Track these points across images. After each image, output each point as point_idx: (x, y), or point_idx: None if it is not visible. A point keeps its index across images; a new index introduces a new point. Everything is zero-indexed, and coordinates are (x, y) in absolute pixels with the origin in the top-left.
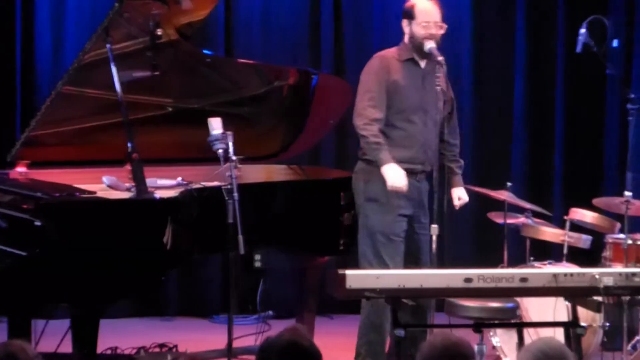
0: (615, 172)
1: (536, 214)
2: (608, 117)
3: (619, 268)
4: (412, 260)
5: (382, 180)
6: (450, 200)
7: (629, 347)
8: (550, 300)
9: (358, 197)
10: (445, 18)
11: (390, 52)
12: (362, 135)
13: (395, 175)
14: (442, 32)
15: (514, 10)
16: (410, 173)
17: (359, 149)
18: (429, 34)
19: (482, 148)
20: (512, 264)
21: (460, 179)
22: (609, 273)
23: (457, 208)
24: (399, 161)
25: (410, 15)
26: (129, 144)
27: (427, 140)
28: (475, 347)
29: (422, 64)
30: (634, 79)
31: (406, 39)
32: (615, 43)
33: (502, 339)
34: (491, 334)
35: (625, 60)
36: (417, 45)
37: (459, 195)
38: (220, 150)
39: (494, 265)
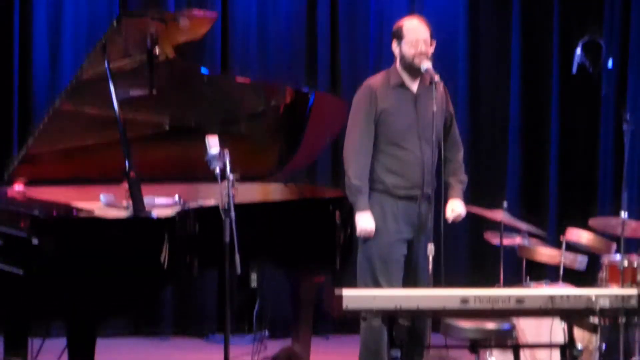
0: (611, 192)
1: (532, 234)
2: (603, 137)
3: (615, 289)
4: (413, 282)
5: (380, 205)
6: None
7: None
8: (546, 321)
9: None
10: (439, 36)
11: (379, 79)
12: (346, 172)
13: (365, 224)
14: (431, 49)
15: (509, 30)
16: (409, 198)
17: None
18: (418, 52)
19: (478, 168)
20: (508, 284)
21: (457, 192)
22: (605, 294)
23: (449, 221)
24: (395, 187)
25: (398, 35)
26: (126, 162)
27: (424, 164)
28: None
29: (414, 86)
30: (628, 99)
31: (397, 61)
32: (610, 64)
33: None
34: (487, 354)
35: (620, 81)
36: (408, 66)
37: (453, 208)
38: (217, 169)
39: (490, 285)
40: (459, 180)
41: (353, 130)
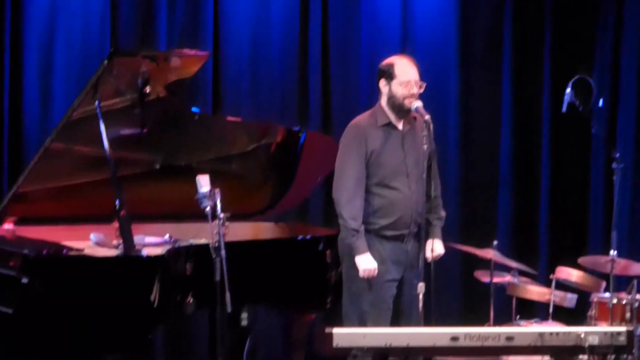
0: (601, 230)
1: (522, 273)
2: (593, 175)
3: (604, 327)
4: (404, 320)
5: (369, 245)
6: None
7: None
8: (536, 359)
9: (344, 262)
10: (430, 77)
11: (366, 119)
12: (342, 215)
13: (367, 265)
14: (421, 90)
15: (500, 68)
16: (396, 238)
17: None
18: (410, 94)
19: (468, 206)
20: (499, 322)
21: (437, 231)
22: (594, 332)
23: (428, 261)
24: (384, 229)
25: (389, 75)
26: (116, 201)
27: (412, 203)
28: None
29: (400, 125)
30: (618, 138)
31: (383, 99)
32: (600, 103)
33: None
34: None
35: (610, 120)
36: (396, 106)
37: (433, 248)
38: (208, 208)
39: (481, 323)
40: (438, 217)
41: (346, 172)
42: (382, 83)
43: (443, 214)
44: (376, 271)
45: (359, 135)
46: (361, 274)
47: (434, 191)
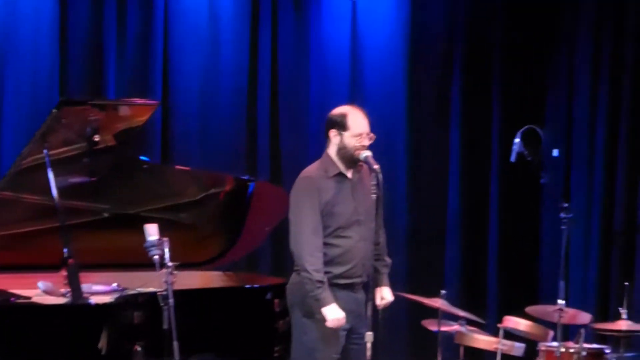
0: (550, 280)
1: (470, 322)
2: (543, 225)
3: None
4: None
5: None
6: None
7: None
8: None
9: (294, 312)
10: (379, 128)
11: (316, 170)
12: (306, 269)
13: (335, 315)
14: (371, 142)
15: (449, 117)
16: (348, 287)
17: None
18: (361, 146)
19: (416, 255)
20: None
21: (385, 279)
22: None
23: (379, 308)
24: (337, 278)
25: (342, 126)
26: (64, 249)
27: (364, 252)
28: None
29: (350, 174)
30: (572, 188)
31: (333, 149)
32: (555, 152)
33: None
34: None
35: (563, 170)
36: (347, 157)
37: (382, 295)
38: (156, 257)
39: None
40: (385, 264)
41: (303, 225)
42: (333, 133)
43: (389, 260)
44: (344, 320)
45: (311, 187)
46: (330, 324)
47: (380, 238)
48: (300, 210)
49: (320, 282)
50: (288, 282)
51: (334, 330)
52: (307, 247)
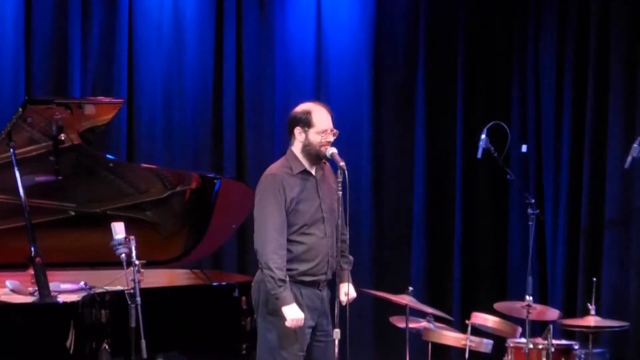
0: (518, 276)
1: (438, 318)
2: (510, 221)
3: None
4: None
5: None
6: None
7: None
8: None
9: (259, 310)
10: (343, 125)
11: (281, 167)
12: (269, 267)
13: (295, 315)
14: (335, 137)
15: (413, 114)
16: (313, 284)
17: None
18: (326, 142)
19: (382, 252)
20: None
21: (347, 275)
22: None
23: (343, 304)
24: (302, 275)
25: (306, 122)
26: (31, 248)
27: (328, 249)
28: None
29: (314, 171)
30: (539, 184)
31: (297, 146)
32: (524, 148)
33: None
34: None
35: (532, 165)
36: (312, 153)
37: (346, 291)
38: (123, 255)
39: None
40: (348, 261)
41: (267, 222)
42: (298, 130)
43: (351, 257)
44: (302, 321)
45: (276, 184)
46: (289, 324)
47: (342, 235)
48: (264, 207)
49: (282, 280)
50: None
51: (299, 328)
52: (270, 245)
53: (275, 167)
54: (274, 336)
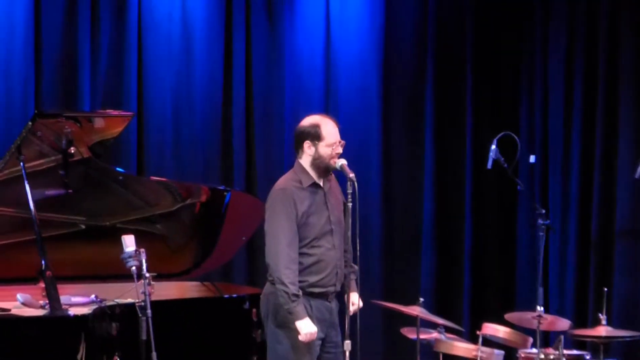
0: (528, 287)
1: (449, 329)
2: (520, 231)
3: None
4: None
5: None
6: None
7: None
8: None
9: (268, 322)
10: (353, 136)
11: (290, 181)
12: (282, 282)
13: (309, 330)
14: (342, 149)
15: (423, 125)
16: (322, 295)
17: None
18: (335, 154)
19: (392, 264)
20: None
21: (354, 285)
22: None
23: (350, 314)
24: (312, 286)
25: (316, 136)
26: (42, 261)
27: (337, 260)
28: None
29: (322, 183)
30: (549, 194)
31: (306, 160)
32: (532, 159)
33: None
34: None
35: (542, 176)
36: (322, 166)
37: (353, 301)
38: (134, 267)
39: None
40: (354, 271)
41: (279, 237)
42: (307, 144)
43: (356, 267)
44: (316, 335)
45: (287, 198)
46: (302, 338)
47: (346, 245)
48: (276, 222)
49: (296, 295)
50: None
51: (310, 341)
52: (283, 260)
53: (284, 182)
54: (283, 348)
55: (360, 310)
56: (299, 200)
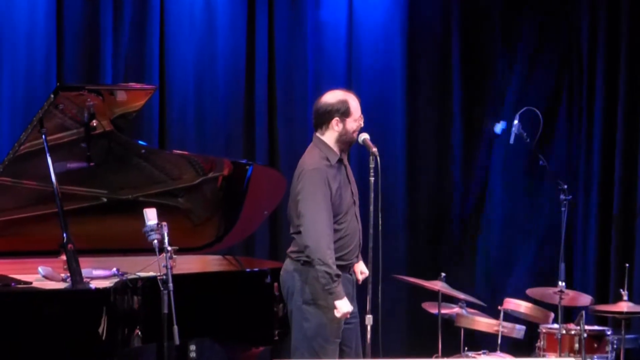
0: (550, 262)
1: (470, 304)
2: (543, 206)
3: (552, 358)
4: (343, 350)
5: (319, 280)
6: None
7: None
8: None
9: (293, 299)
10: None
11: (320, 160)
12: (325, 262)
13: (347, 309)
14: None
15: (450, 96)
16: (345, 268)
17: (292, 247)
18: (358, 128)
19: (415, 239)
20: (447, 354)
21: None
22: None
23: (359, 282)
24: (339, 259)
25: (345, 112)
26: (64, 235)
27: (359, 232)
28: None
29: (344, 158)
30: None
31: (332, 136)
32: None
33: None
34: None
35: (567, 151)
36: (347, 141)
37: (361, 270)
38: (156, 241)
39: (429, 355)
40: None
41: (318, 219)
42: (336, 121)
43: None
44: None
45: (321, 178)
46: (340, 316)
47: None
48: (314, 203)
49: (338, 275)
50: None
51: (334, 315)
52: (325, 241)
53: (314, 161)
54: (311, 325)
55: (382, 284)
56: (332, 179)
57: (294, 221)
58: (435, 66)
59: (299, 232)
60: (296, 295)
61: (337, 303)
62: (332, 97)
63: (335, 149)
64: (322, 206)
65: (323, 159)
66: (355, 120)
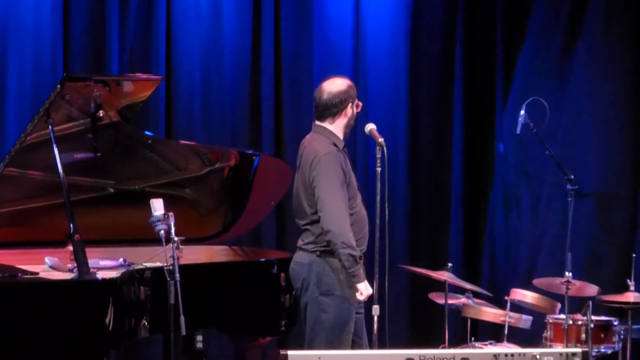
0: (557, 252)
1: (477, 295)
2: (549, 197)
3: (559, 348)
4: (354, 342)
5: (336, 271)
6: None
7: None
8: None
9: (309, 291)
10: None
11: (329, 145)
12: (349, 245)
13: (369, 292)
14: None
15: (452, 88)
16: (360, 258)
17: (305, 239)
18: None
19: (420, 229)
20: (453, 344)
21: None
22: (549, 353)
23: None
24: (358, 246)
25: (354, 97)
26: (70, 225)
27: (366, 219)
28: None
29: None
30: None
31: (341, 123)
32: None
33: None
34: None
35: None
36: (352, 125)
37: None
38: (162, 231)
39: (435, 346)
40: None
41: (337, 202)
42: (349, 106)
43: None
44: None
45: (336, 162)
46: (363, 299)
47: None
48: (332, 188)
49: (361, 257)
50: (293, 259)
51: (351, 306)
52: (346, 224)
53: (324, 147)
54: (329, 316)
55: (389, 275)
56: (344, 163)
57: (305, 212)
58: (439, 54)
59: (314, 222)
60: (312, 286)
61: (360, 286)
62: (339, 84)
63: (341, 135)
64: (339, 190)
65: (332, 145)
66: (357, 105)
